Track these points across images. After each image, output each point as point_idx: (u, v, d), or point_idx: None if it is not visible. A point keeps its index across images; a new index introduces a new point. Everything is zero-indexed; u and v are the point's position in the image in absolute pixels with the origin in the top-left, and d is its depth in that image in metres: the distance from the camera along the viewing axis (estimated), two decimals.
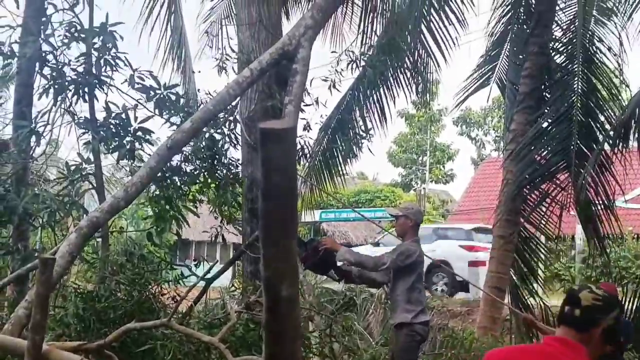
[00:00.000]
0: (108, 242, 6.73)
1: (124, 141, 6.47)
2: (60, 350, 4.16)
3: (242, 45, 7.74)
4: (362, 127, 10.83)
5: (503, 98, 12.69)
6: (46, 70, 6.55)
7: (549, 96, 10.37)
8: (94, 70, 6.57)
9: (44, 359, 3.73)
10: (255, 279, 6.85)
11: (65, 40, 6.54)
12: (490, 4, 11.48)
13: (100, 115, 6.61)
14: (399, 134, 42.59)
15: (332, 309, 8.12)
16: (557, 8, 10.87)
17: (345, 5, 10.81)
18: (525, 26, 10.94)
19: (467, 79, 11.79)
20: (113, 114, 6.45)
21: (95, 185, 6.80)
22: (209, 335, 4.96)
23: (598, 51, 10.30)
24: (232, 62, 7.97)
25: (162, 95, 6.59)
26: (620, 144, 9.08)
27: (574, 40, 10.13)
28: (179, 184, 6.76)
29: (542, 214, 10.15)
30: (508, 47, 11.34)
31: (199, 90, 8.65)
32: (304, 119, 8.07)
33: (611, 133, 9.41)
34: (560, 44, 10.76)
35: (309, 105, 7.86)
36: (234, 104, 6.68)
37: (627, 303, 8.72)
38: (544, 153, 9.89)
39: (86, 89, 6.57)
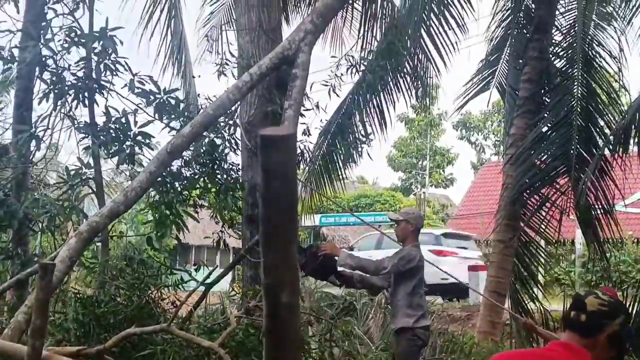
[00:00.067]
0: (108, 247, 6.72)
1: (124, 146, 6.45)
2: (60, 356, 4.15)
3: (242, 50, 7.74)
4: (362, 132, 10.83)
5: (503, 102, 12.72)
6: (46, 75, 6.55)
7: (548, 100, 10.38)
8: (94, 75, 6.57)
9: None
10: (255, 284, 6.83)
11: (65, 45, 6.55)
12: (490, 8, 11.51)
13: (100, 120, 6.62)
14: (399, 138, 42.62)
15: (332, 314, 8.12)
16: (557, 13, 10.90)
17: (345, 10, 10.82)
18: (525, 31, 10.96)
19: (467, 83, 11.81)
20: (113, 119, 6.44)
21: (95, 189, 6.79)
22: (209, 340, 4.95)
23: (598, 55, 10.32)
24: (232, 67, 7.98)
25: (162, 100, 6.59)
26: (620, 149, 9.08)
27: (574, 45, 10.15)
28: (179, 188, 6.75)
29: (542, 218, 10.14)
30: (508, 51, 11.36)
31: (199, 95, 8.66)
32: (304, 123, 8.09)
33: (611, 138, 9.41)
34: (560, 49, 10.77)
35: (309, 109, 7.88)
36: (233, 108, 6.68)
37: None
38: (544, 157, 9.90)
39: (86, 94, 6.57)
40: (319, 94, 9.42)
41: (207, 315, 7.06)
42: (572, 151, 9.22)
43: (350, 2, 10.16)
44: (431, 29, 10.52)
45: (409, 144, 42.41)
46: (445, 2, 10.45)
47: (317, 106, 8.00)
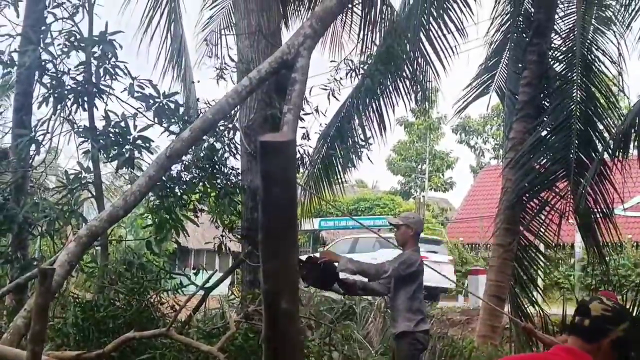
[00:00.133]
0: (107, 251, 6.71)
1: (124, 150, 6.46)
2: None
3: (241, 54, 7.75)
4: (361, 135, 10.83)
5: (502, 106, 12.72)
6: (46, 79, 6.56)
7: (548, 104, 10.39)
8: (93, 79, 6.59)
9: None
10: (254, 288, 6.82)
11: (65, 49, 6.56)
12: (489, 12, 11.53)
13: (99, 124, 6.62)
14: (398, 142, 42.65)
15: (332, 318, 8.09)
16: (556, 17, 10.91)
17: (344, 14, 10.82)
18: (524, 35, 10.97)
19: (466, 87, 11.83)
20: (112, 123, 6.44)
21: (94, 193, 6.79)
22: (208, 344, 4.95)
23: (597, 60, 10.33)
24: (231, 71, 7.98)
25: (161, 104, 6.60)
26: (620, 153, 9.08)
27: (573, 49, 10.16)
28: (178, 192, 6.75)
29: (542, 222, 10.14)
30: (507, 55, 11.38)
31: (198, 99, 8.66)
32: (303, 127, 8.08)
33: (610, 142, 9.42)
34: (560, 53, 10.79)
35: (308, 113, 7.87)
36: (233, 112, 6.68)
37: None
38: (543, 161, 9.90)
39: (86, 98, 6.58)
40: (319, 97, 9.40)
41: (206, 319, 7.05)
42: (571, 155, 9.23)
43: (350, 6, 10.16)
44: (430, 33, 10.52)
45: (409, 147, 42.44)
46: (445, 6, 10.46)
47: (317, 110, 7.99)
